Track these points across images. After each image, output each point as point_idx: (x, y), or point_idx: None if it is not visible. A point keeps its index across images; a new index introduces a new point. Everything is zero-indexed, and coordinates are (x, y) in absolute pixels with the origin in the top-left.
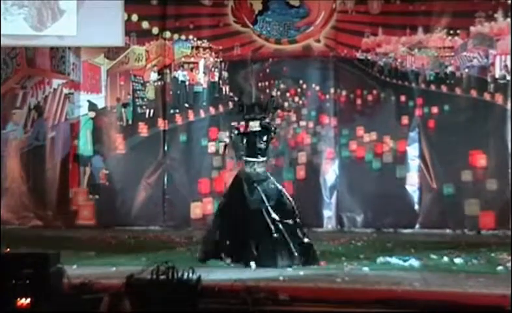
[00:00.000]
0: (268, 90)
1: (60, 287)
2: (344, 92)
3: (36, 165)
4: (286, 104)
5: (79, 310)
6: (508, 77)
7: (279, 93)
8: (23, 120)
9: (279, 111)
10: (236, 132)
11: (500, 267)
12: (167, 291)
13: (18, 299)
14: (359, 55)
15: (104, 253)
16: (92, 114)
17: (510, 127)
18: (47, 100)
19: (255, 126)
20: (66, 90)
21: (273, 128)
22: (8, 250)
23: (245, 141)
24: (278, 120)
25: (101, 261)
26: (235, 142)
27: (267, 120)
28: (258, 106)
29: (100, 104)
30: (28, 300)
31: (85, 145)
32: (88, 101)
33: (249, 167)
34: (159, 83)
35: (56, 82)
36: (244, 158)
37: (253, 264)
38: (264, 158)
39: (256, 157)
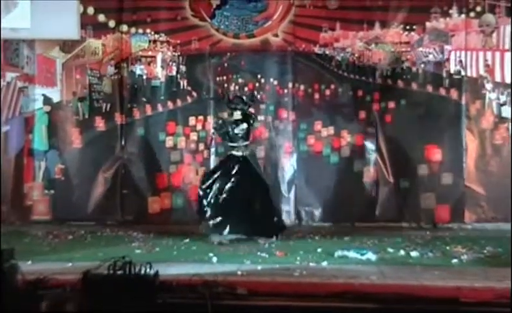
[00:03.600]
0: (226, 85)
1: (15, 284)
2: (302, 87)
3: None
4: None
5: (34, 306)
6: (463, 73)
7: (237, 87)
8: None
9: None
10: (220, 121)
11: (455, 260)
12: (124, 287)
13: None
14: (317, 49)
15: (60, 248)
16: (48, 108)
17: (464, 121)
18: (0, 93)
19: (237, 115)
20: (20, 84)
21: (253, 117)
22: None
23: (229, 129)
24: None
25: (57, 257)
26: (221, 129)
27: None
28: (239, 98)
29: (56, 98)
30: None
31: (40, 139)
32: (43, 95)
33: (235, 151)
34: (116, 77)
35: (9, 75)
36: (230, 144)
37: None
38: (247, 142)
39: (239, 142)
